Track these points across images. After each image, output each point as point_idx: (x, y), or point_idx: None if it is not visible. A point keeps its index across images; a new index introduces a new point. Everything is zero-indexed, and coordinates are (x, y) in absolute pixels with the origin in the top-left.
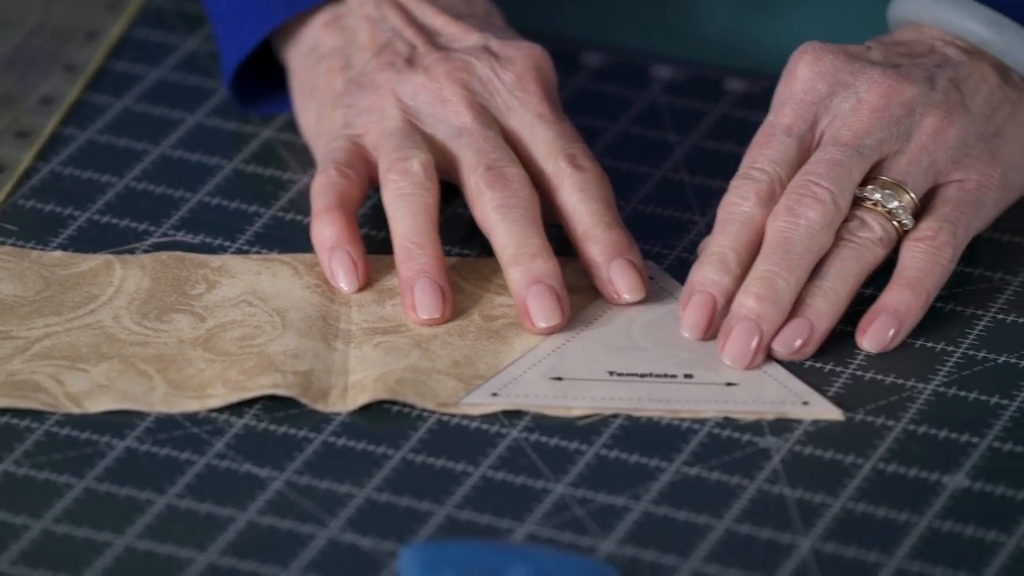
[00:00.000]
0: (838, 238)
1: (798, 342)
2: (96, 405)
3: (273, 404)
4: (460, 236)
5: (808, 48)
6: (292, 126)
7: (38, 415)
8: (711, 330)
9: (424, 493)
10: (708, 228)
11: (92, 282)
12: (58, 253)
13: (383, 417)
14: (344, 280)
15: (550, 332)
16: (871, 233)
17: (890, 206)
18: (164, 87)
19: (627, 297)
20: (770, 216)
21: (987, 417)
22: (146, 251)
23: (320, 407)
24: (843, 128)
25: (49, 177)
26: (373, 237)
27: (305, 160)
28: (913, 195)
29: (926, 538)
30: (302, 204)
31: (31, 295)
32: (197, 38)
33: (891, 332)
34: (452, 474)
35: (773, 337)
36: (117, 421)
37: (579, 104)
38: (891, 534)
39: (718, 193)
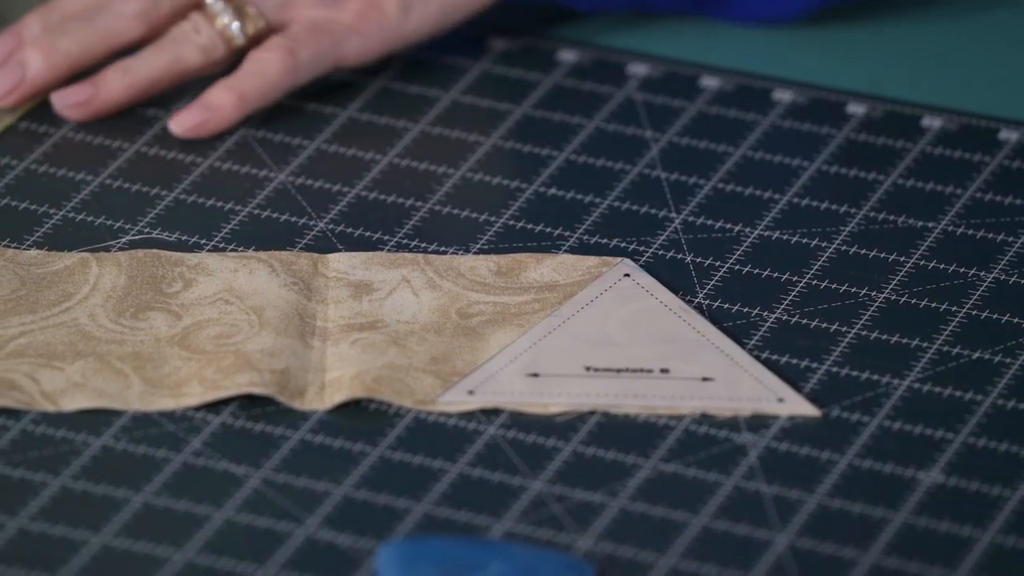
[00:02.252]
0: (162, 35)
1: (74, 99)
2: (72, 403)
3: (250, 402)
4: (436, 234)
5: None
6: (268, 123)
7: (13, 413)
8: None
9: (401, 490)
10: (684, 225)
11: (68, 280)
12: (33, 251)
13: (360, 414)
14: None
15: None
16: (196, 37)
17: (223, 20)
18: None
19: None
20: None
21: (961, 413)
22: (122, 249)
23: (297, 405)
24: None
25: (24, 175)
26: (350, 235)
27: (280, 157)
28: (260, 20)
29: (901, 534)
30: (278, 201)
31: (6, 294)
32: None
33: (197, 120)
34: (429, 471)
35: (43, 84)
36: (93, 419)
37: (556, 101)
38: (867, 530)
39: (694, 190)
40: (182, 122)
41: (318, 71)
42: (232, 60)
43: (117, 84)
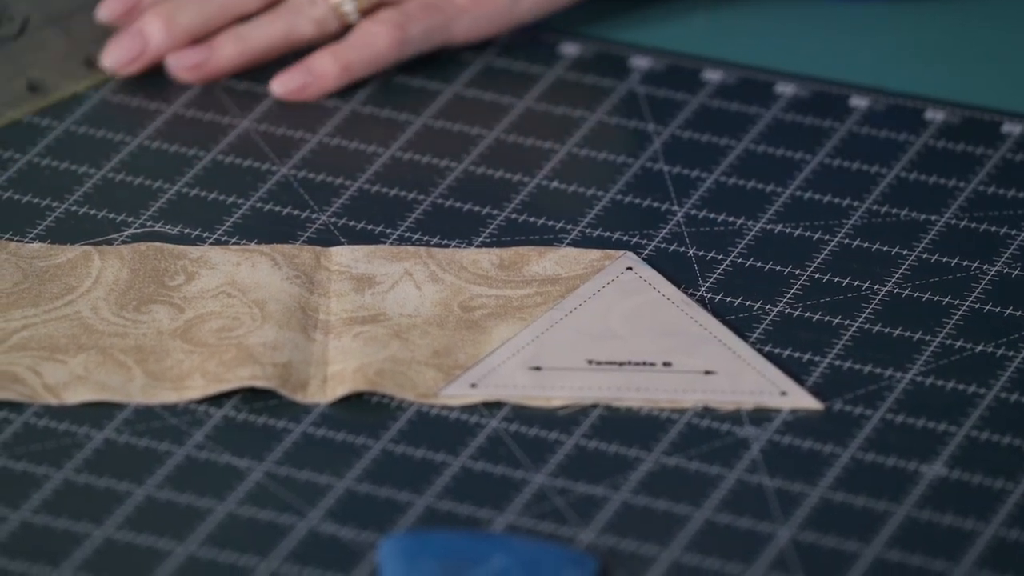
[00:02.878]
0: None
1: (190, 62)
2: (74, 396)
3: (252, 395)
4: (439, 228)
5: None
6: (271, 116)
7: (16, 406)
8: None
9: (404, 484)
10: (687, 218)
11: (70, 273)
12: (36, 244)
13: (362, 408)
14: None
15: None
16: (310, 9)
17: None
18: (143, 77)
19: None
20: None
21: (965, 406)
22: (124, 242)
23: (299, 398)
24: None
25: (27, 168)
26: (352, 228)
27: (283, 150)
28: None
29: (904, 527)
30: (281, 195)
31: (8, 287)
32: None
33: (299, 83)
34: (432, 464)
35: (163, 54)
36: (95, 412)
37: (558, 94)
38: (869, 523)
39: (696, 183)
40: (285, 83)
41: (425, 47)
42: (344, 32)
43: (231, 50)
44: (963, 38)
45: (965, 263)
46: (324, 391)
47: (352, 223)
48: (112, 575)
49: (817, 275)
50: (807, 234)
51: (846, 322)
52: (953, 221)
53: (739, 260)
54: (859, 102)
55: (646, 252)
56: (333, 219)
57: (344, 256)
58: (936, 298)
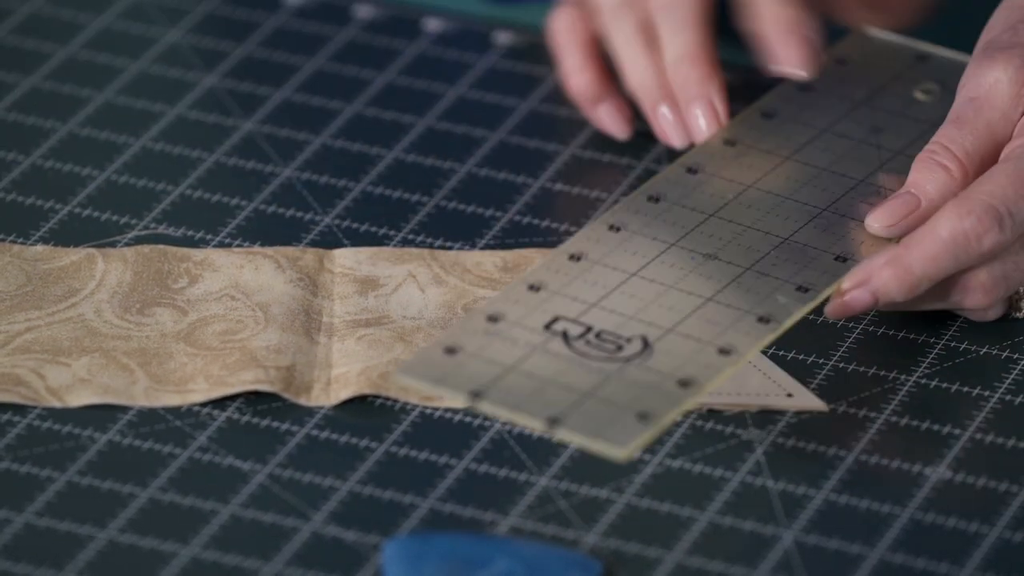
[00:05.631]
0: None
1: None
2: (77, 399)
3: (256, 397)
4: (442, 230)
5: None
6: (274, 118)
7: (19, 409)
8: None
9: (407, 486)
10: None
11: (74, 276)
12: (40, 247)
13: (366, 410)
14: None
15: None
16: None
17: None
18: (145, 80)
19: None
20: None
21: (969, 409)
22: (128, 244)
23: (303, 401)
24: None
25: (30, 170)
26: (356, 230)
27: (286, 152)
28: None
29: (908, 530)
30: (284, 197)
31: (12, 289)
32: (179, 30)
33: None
34: (435, 467)
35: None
36: (99, 415)
37: (562, 96)
38: (873, 526)
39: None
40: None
41: None
42: None
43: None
44: (966, 40)
45: None
46: (328, 394)
47: (355, 225)
48: None
49: None
50: None
51: (850, 324)
52: None
53: None
54: None
55: None
56: (336, 221)
57: (347, 258)
58: None
